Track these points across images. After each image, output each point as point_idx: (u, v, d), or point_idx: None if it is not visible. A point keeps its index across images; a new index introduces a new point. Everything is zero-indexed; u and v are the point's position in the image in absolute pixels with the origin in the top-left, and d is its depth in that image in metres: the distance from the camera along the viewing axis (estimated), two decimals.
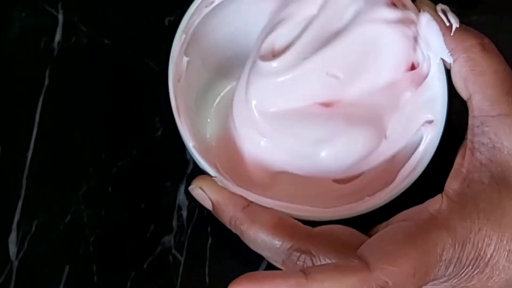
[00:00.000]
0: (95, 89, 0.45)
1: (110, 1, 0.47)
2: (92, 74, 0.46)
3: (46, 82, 0.45)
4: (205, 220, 0.43)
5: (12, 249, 0.43)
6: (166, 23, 0.46)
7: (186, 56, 0.42)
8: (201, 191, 0.39)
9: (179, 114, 0.40)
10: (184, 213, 0.43)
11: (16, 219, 0.43)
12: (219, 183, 0.39)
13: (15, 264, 0.42)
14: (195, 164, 0.43)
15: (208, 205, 0.39)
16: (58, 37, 0.46)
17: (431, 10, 0.39)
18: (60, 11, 0.47)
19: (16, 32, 0.47)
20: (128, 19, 0.47)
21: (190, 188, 0.40)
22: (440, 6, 0.39)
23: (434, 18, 0.39)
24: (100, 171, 0.44)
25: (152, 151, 0.44)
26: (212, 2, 0.42)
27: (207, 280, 0.42)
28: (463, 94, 0.39)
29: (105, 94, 0.45)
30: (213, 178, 0.39)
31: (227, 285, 0.42)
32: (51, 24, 0.46)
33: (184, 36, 0.41)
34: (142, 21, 0.46)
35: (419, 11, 0.40)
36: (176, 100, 0.40)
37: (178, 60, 0.41)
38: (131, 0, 0.47)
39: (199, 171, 0.42)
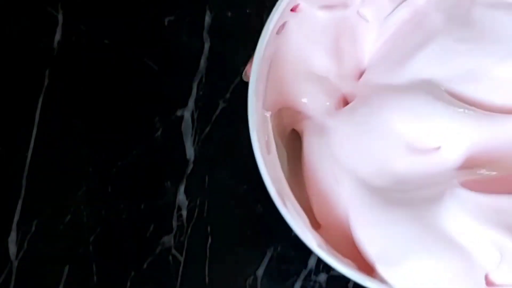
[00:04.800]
0: (95, 89, 0.45)
1: (110, 1, 0.47)
2: (92, 74, 0.46)
3: (46, 82, 0.45)
4: (205, 220, 0.43)
5: (12, 249, 0.43)
6: (166, 23, 0.46)
7: (266, 109, 0.31)
8: None
9: (283, 202, 0.29)
10: (184, 213, 0.43)
11: (16, 219, 0.43)
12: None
13: (15, 264, 0.42)
14: (195, 164, 0.43)
15: None
16: (58, 37, 0.46)
17: None
18: (60, 11, 0.47)
19: (16, 32, 0.47)
20: (128, 19, 0.46)
21: None
22: None
23: None
24: (100, 171, 0.44)
25: (152, 151, 0.44)
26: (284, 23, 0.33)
27: (207, 280, 0.42)
28: None
29: (105, 94, 0.45)
30: None
31: (227, 285, 0.42)
32: (51, 24, 0.46)
33: (261, 85, 0.31)
34: (142, 21, 0.46)
35: None
36: (272, 182, 0.29)
37: (261, 122, 0.29)
38: (131, 0, 0.47)
39: (199, 171, 0.42)
